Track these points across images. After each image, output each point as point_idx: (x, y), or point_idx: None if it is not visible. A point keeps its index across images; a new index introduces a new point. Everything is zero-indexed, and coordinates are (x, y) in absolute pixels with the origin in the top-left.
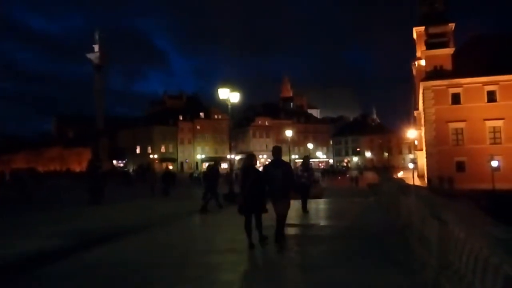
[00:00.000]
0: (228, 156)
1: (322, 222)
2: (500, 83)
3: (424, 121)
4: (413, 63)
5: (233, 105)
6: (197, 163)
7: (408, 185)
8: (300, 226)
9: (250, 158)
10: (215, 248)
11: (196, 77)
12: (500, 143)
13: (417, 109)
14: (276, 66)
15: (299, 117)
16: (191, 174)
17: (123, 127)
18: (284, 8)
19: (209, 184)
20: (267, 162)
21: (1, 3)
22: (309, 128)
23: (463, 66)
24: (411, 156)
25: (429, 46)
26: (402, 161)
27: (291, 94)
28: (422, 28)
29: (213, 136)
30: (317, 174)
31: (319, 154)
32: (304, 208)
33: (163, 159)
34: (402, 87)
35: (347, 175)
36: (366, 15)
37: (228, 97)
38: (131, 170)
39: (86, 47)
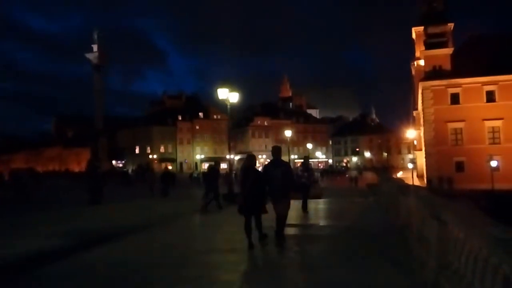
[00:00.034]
0: (227, 156)
1: (322, 222)
2: (499, 83)
3: (423, 121)
4: (412, 63)
5: (232, 105)
6: (196, 163)
7: (408, 185)
8: (299, 226)
9: (250, 159)
10: (215, 248)
11: (195, 77)
12: (499, 143)
13: (416, 109)
14: (276, 66)
15: (298, 117)
16: (191, 174)
17: (122, 127)
18: (284, 8)
19: (210, 184)
20: (266, 162)
21: (1, 3)
22: (308, 128)
23: (462, 66)
24: (410, 156)
25: (428, 46)
26: (401, 161)
27: (290, 94)
28: (421, 28)
29: (212, 136)
30: (317, 174)
31: (318, 154)
32: (304, 208)
33: (162, 159)
34: (402, 87)
35: (346, 175)
36: (366, 15)
37: (227, 97)
38: (130, 170)
39: (85, 47)
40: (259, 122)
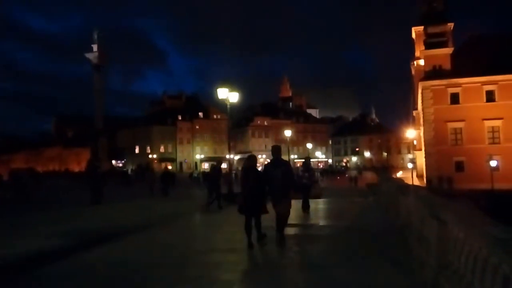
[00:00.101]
0: (227, 156)
1: (322, 222)
2: (499, 83)
3: (423, 121)
4: (412, 63)
5: (232, 105)
6: (196, 163)
7: (407, 185)
8: (299, 226)
9: (251, 159)
10: (215, 248)
11: (195, 77)
12: (499, 143)
13: (416, 109)
14: (276, 66)
15: (298, 117)
16: (191, 174)
17: (122, 127)
18: (284, 8)
19: (213, 184)
20: (266, 162)
21: (1, 3)
22: (308, 128)
23: (462, 66)
24: (410, 156)
25: (428, 45)
26: (401, 161)
27: (290, 94)
28: (421, 28)
29: (212, 136)
30: (317, 175)
31: (318, 154)
32: (304, 208)
33: (162, 159)
34: (402, 87)
35: (346, 175)
36: (366, 15)
37: (227, 97)
38: (130, 170)
39: (85, 47)
40: (259, 122)
